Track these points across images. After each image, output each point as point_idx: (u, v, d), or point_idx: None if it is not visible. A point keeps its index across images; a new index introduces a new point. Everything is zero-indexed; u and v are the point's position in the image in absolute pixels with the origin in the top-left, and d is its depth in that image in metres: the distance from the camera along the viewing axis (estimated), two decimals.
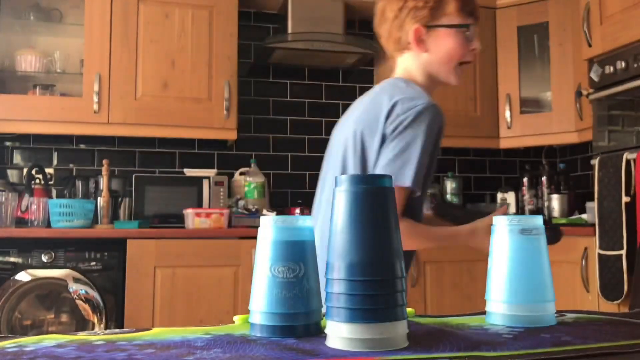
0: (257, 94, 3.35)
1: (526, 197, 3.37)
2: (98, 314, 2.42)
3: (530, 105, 3.30)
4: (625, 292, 2.29)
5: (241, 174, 3.14)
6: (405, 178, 1.31)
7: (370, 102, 1.44)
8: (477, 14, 1.48)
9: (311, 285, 0.72)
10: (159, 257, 2.53)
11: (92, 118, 2.78)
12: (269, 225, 0.73)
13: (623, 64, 2.45)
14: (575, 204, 3.29)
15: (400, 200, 1.31)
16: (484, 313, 0.84)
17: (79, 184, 2.90)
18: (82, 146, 3.12)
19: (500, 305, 0.80)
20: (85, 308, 2.40)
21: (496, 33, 3.32)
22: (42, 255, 2.42)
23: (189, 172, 2.99)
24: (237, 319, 0.81)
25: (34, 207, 2.56)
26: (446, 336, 0.68)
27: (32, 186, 2.80)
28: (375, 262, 0.66)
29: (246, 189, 2.97)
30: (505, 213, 1.36)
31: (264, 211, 2.89)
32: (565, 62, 3.13)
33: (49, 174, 3.03)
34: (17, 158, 3.05)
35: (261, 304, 0.71)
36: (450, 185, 3.33)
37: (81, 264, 2.44)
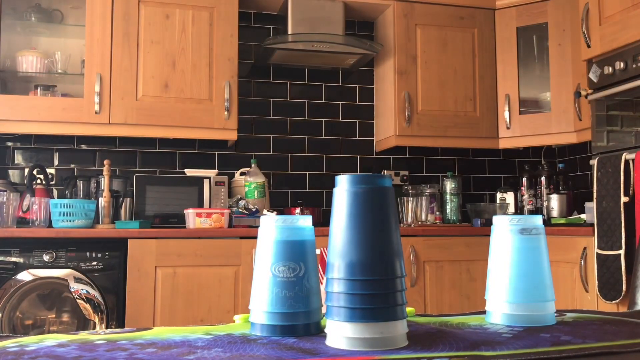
0: (257, 94, 3.35)
1: (525, 197, 3.37)
2: (99, 314, 2.42)
3: (529, 106, 3.30)
4: (623, 292, 2.30)
5: (241, 174, 3.15)
6: None
7: None
8: None
9: (311, 284, 0.72)
10: (159, 256, 2.53)
11: (93, 118, 2.79)
12: (269, 225, 0.73)
13: (622, 64, 2.45)
14: (574, 204, 3.29)
15: None
16: (483, 312, 0.84)
17: (80, 184, 2.91)
18: (83, 146, 3.12)
19: (500, 305, 0.80)
20: (86, 308, 2.41)
21: (495, 34, 3.33)
22: (44, 255, 2.42)
23: (190, 172, 3.00)
24: (238, 318, 0.80)
25: (35, 207, 2.56)
26: (446, 335, 0.68)
27: (34, 186, 2.81)
28: (375, 262, 0.66)
29: (246, 189, 2.97)
30: None
31: (264, 211, 2.89)
32: (564, 63, 3.13)
33: (50, 174, 3.04)
34: (19, 158, 3.05)
35: (262, 303, 0.71)
36: (449, 185, 3.33)
37: (82, 264, 2.45)
